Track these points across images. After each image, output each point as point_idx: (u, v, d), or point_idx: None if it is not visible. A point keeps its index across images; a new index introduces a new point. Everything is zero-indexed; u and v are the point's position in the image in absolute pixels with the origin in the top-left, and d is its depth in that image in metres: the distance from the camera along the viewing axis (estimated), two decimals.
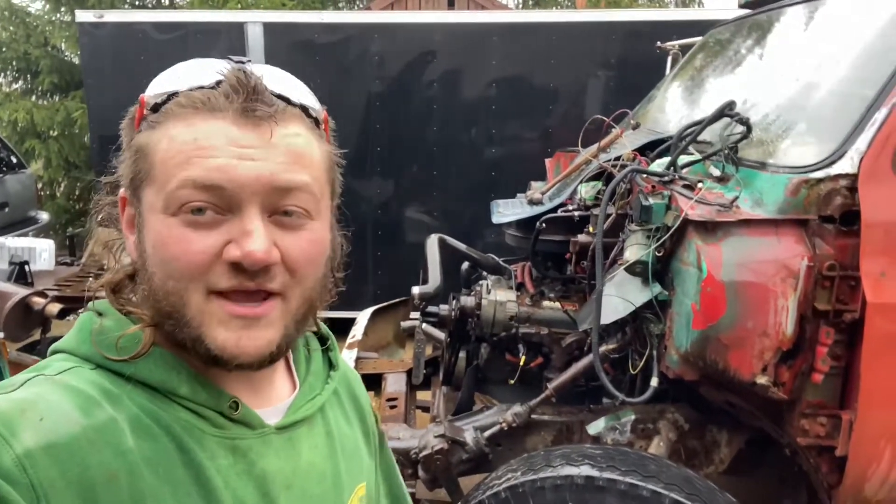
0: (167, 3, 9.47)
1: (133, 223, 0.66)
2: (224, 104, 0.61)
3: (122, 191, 0.68)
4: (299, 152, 0.64)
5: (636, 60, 4.70)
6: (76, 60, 8.12)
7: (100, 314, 0.67)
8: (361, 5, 10.71)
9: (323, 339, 0.85)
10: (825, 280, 1.55)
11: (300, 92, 0.67)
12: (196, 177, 0.60)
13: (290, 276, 0.64)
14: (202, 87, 0.62)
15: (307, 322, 0.71)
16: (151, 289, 0.63)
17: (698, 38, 3.03)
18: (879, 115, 1.55)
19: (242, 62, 0.64)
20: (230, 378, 0.69)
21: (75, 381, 0.61)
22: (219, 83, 0.62)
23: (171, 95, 0.63)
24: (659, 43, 3.47)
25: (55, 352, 0.67)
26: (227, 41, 4.87)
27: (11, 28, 8.04)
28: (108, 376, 0.63)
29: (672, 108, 2.64)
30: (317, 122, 0.68)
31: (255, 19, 4.89)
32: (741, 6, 2.90)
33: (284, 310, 0.65)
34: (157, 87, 0.64)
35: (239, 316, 0.62)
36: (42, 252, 3.71)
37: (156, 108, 0.63)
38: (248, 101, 0.61)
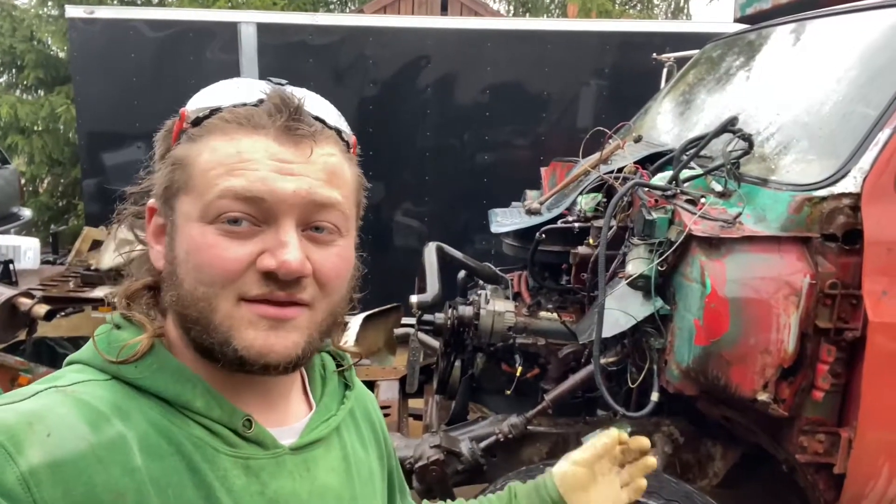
0: (156, 0, 9.36)
1: (160, 233, 0.67)
2: (266, 121, 0.63)
3: (151, 201, 0.68)
4: (334, 171, 0.66)
5: (630, 71, 4.74)
6: (62, 55, 8.01)
7: (118, 326, 0.67)
8: (353, 7, 10.66)
9: (338, 360, 0.84)
10: (827, 298, 1.55)
11: (335, 116, 0.70)
12: (237, 187, 0.61)
13: (319, 290, 0.66)
14: (245, 105, 0.64)
15: (329, 334, 0.71)
16: (180, 295, 0.64)
17: (694, 51, 3.05)
18: (883, 136, 1.56)
19: (282, 84, 0.67)
20: (247, 394, 0.68)
21: (87, 395, 0.60)
22: (261, 101, 0.64)
23: (215, 110, 0.64)
24: (655, 55, 3.49)
25: (71, 363, 0.66)
26: (220, 41, 4.82)
27: None
28: (121, 389, 0.62)
29: (671, 121, 2.65)
30: (348, 145, 0.71)
31: (248, 19, 4.86)
32: (737, 20, 2.92)
33: (311, 319, 0.66)
34: (200, 101, 0.66)
35: (268, 317, 0.63)
36: (27, 251, 3.65)
37: (197, 122, 0.65)
38: (290, 120, 0.63)
